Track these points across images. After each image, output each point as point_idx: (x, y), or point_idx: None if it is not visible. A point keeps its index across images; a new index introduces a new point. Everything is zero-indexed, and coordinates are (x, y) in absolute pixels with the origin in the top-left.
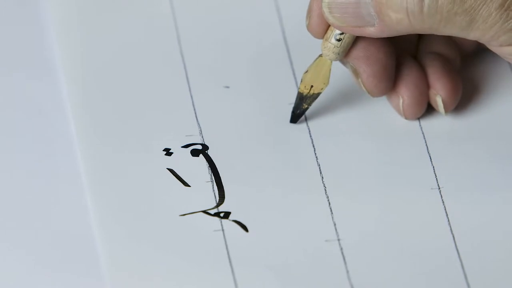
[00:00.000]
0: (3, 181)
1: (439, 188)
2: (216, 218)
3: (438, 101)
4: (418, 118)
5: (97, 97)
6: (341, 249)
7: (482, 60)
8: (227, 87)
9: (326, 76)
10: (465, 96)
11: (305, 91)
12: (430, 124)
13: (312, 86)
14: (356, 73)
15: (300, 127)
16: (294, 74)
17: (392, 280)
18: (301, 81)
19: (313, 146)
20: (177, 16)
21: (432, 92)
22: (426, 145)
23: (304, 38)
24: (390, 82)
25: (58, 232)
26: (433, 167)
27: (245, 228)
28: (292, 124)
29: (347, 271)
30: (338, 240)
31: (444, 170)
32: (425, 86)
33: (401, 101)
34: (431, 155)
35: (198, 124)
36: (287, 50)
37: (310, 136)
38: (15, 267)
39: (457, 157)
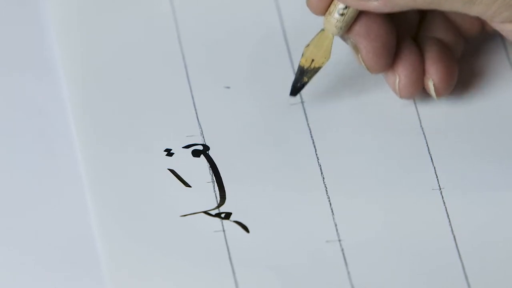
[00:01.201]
0: (3, 181)
1: (440, 188)
2: (217, 219)
3: (430, 85)
4: (419, 119)
5: (97, 97)
6: (342, 250)
7: (482, 62)
8: (228, 87)
9: (327, 50)
10: (466, 97)
11: (306, 65)
12: (431, 124)
13: (313, 60)
14: (356, 49)
15: (301, 127)
16: (295, 74)
17: (393, 281)
18: (302, 55)
19: (314, 146)
20: (178, 16)
21: (426, 76)
22: (427, 145)
23: (305, 38)
24: (389, 60)
25: (58, 232)
26: (434, 167)
27: (246, 228)
28: (293, 125)
29: (348, 272)
30: (339, 241)
31: (445, 170)
32: (422, 68)
33: (397, 80)
34: (432, 155)
35: (199, 124)
36: (288, 50)
37: (311, 136)
38: (15, 267)
39: (458, 158)
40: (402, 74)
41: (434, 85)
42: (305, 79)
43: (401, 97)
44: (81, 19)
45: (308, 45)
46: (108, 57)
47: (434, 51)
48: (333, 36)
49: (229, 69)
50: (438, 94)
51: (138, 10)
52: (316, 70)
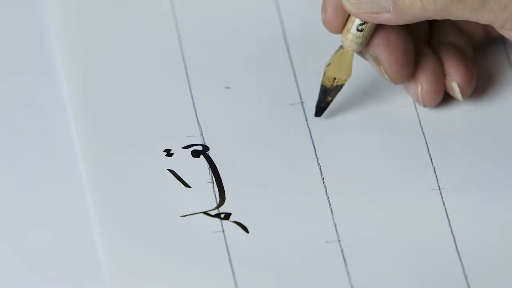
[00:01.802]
0: (3, 181)
1: (439, 189)
2: (217, 219)
3: (454, 87)
4: (419, 119)
5: (97, 97)
6: (342, 250)
7: (482, 63)
8: (228, 87)
9: (349, 67)
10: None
11: (329, 84)
12: (431, 125)
13: (335, 79)
14: (377, 61)
15: (301, 127)
16: (294, 74)
17: (392, 281)
18: (324, 74)
19: (314, 147)
20: (178, 16)
21: (447, 79)
22: (427, 146)
23: (305, 38)
24: (411, 69)
25: (58, 232)
26: (434, 168)
27: (245, 229)
28: (293, 125)
29: (348, 273)
30: (339, 241)
31: (444, 171)
32: (442, 73)
33: (419, 88)
34: (431, 156)
35: (199, 125)
36: (288, 51)
37: (311, 137)
38: (15, 267)
39: (458, 158)
40: (423, 81)
41: (458, 86)
42: (329, 98)
43: (424, 105)
44: (81, 19)
45: (328, 64)
46: (108, 57)
47: (451, 54)
48: (353, 53)
49: (229, 70)
50: (464, 95)
51: (138, 10)
52: (339, 88)
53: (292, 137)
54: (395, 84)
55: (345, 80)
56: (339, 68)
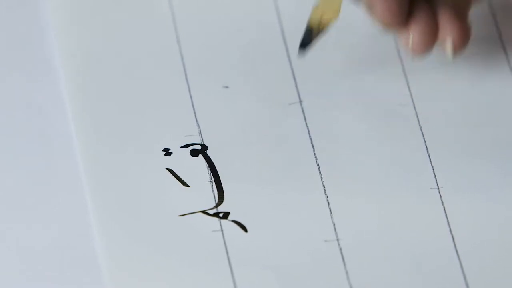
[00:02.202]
0: (3, 181)
1: (438, 188)
2: (215, 218)
3: (447, 41)
4: (418, 118)
5: (97, 97)
6: (340, 249)
7: (482, 64)
8: (227, 87)
9: (337, 8)
10: (465, 97)
11: (315, 24)
12: (430, 124)
13: (322, 19)
14: (370, 7)
15: (299, 126)
16: (293, 73)
17: (391, 281)
18: (311, 14)
19: (313, 146)
20: (176, 16)
21: (441, 33)
22: (426, 145)
23: None
24: (403, 16)
25: (58, 232)
26: (432, 167)
27: (244, 228)
28: (291, 124)
29: (346, 272)
30: (337, 240)
31: (443, 170)
32: (435, 25)
33: (410, 37)
34: (430, 155)
35: (198, 124)
36: (286, 50)
37: (310, 136)
38: (15, 267)
39: (456, 157)
40: (415, 31)
41: (452, 42)
42: (314, 37)
43: (414, 54)
44: (81, 19)
45: (317, 6)
46: (108, 57)
47: (447, 8)
48: None
49: (228, 69)
50: (456, 49)
51: (138, 10)
52: (326, 28)
53: (290, 137)
54: (386, 29)
55: (332, 20)
56: (327, 8)
